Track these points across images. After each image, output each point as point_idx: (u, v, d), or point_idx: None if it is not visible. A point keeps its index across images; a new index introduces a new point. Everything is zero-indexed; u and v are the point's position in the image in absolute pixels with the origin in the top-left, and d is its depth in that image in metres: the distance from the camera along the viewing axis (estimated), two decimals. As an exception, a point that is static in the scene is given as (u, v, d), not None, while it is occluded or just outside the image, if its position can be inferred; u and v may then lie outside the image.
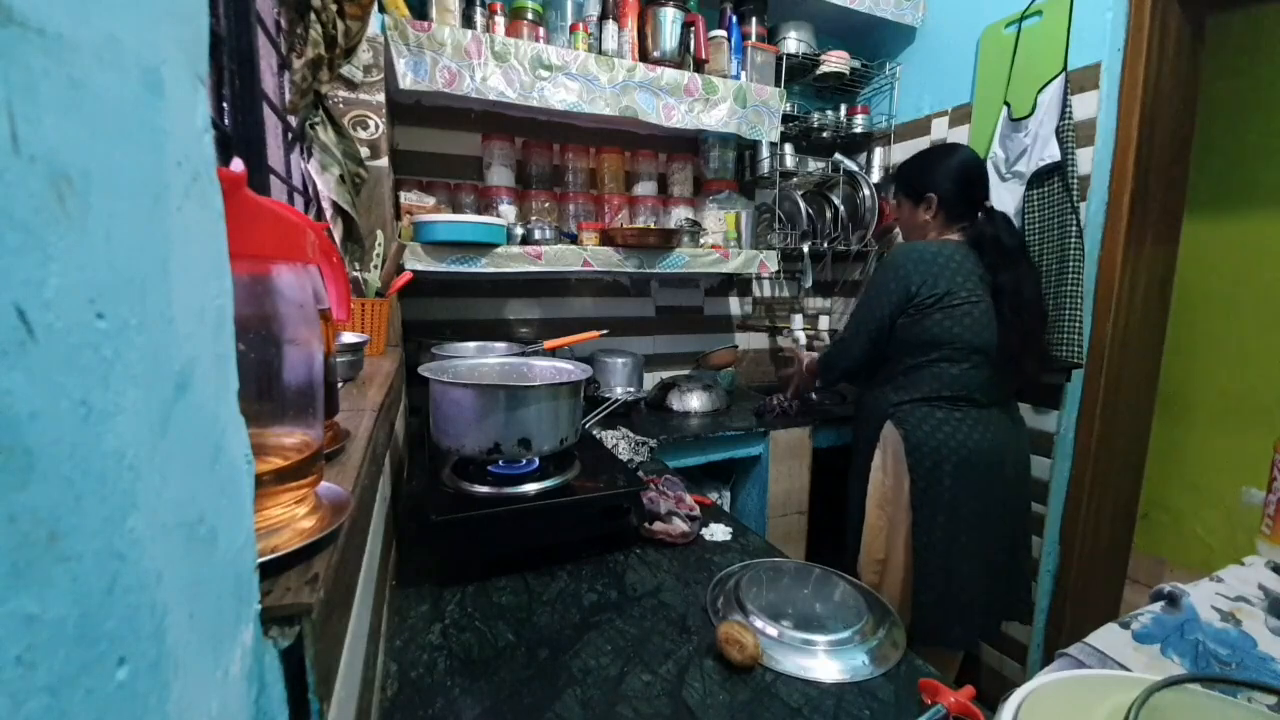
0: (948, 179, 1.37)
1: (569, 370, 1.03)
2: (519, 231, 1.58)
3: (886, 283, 1.34)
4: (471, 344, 1.49)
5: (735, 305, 2.29)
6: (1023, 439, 1.42)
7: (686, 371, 2.11)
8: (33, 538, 0.14)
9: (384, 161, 1.36)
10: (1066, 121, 1.50)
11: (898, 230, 2.09)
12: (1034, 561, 1.68)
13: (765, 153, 1.97)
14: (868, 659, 0.70)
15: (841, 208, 2.00)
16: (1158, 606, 0.80)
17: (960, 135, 1.86)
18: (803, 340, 2.06)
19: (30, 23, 0.14)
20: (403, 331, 1.54)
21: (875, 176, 2.12)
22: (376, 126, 1.34)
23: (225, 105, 0.79)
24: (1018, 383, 1.41)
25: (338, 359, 0.84)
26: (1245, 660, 0.69)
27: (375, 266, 1.26)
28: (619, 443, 1.47)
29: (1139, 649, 0.72)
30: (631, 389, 1.79)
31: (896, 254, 1.36)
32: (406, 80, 1.36)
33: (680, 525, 1.00)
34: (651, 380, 2.00)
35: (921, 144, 2.01)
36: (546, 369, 1.07)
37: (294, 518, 0.36)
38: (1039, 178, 1.57)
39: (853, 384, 1.67)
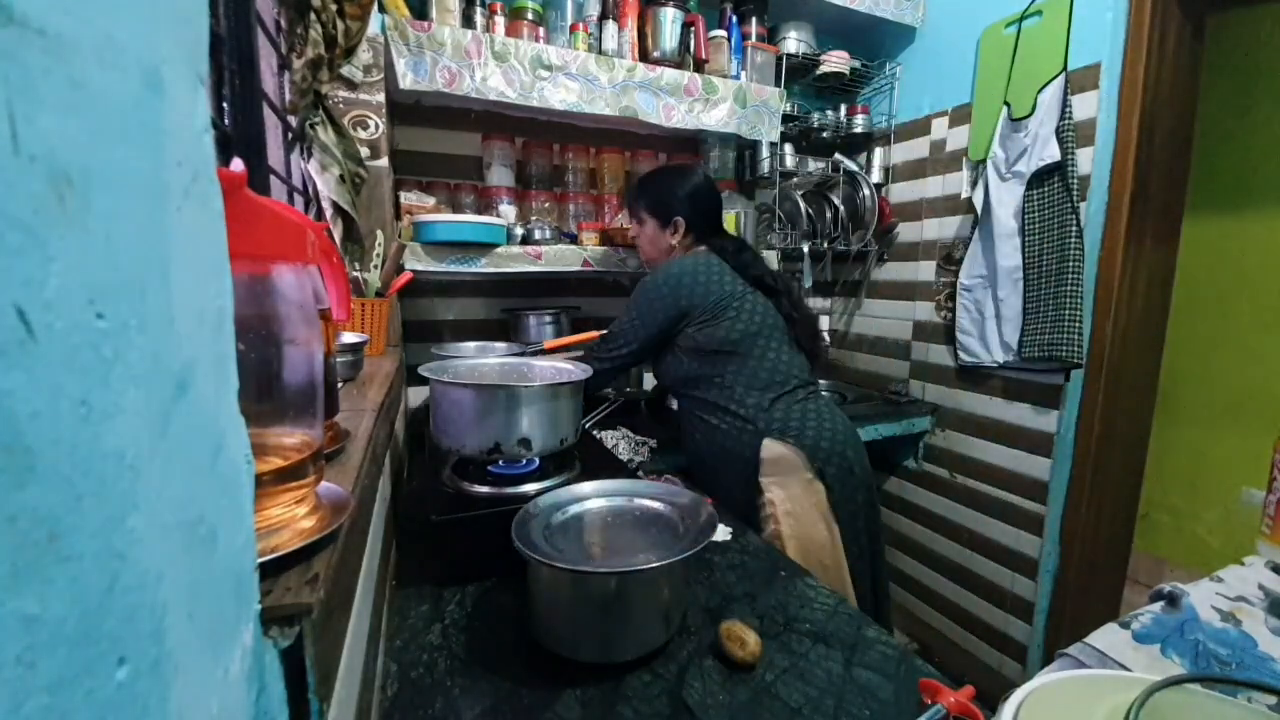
0: (692, 203, 1.38)
1: (569, 370, 1.03)
2: (519, 231, 1.58)
3: (651, 304, 1.29)
4: (471, 344, 1.49)
5: (735, 305, 2.29)
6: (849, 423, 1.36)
7: (686, 371, 2.10)
8: (33, 538, 0.14)
9: (384, 161, 1.36)
10: (1066, 121, 1.50)
11: (897, 230, 2.10)
12: (1032, 560, 1.68)
13: (765, 153, 1.97)
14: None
15: (841, 208, 2.00)
16: (1158, 606, 0.80)
17: (960, 135, 1.87)
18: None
19: (30, 23, 0.14)
20: (403, 331, 1.54)
21: (875, 176, 2.12)
22: (376, 126, 1.34)
23: (225, 105, 0.79)
24: (817, 362, 1.41)
25: (338, 359, 0.84)
26: (1245, 660, 0.69)
27: (375, 266, 1.27)
28: (619, 443, 1.47)
29: (1139, 649, 0.72)
30: (631, 389, 1.79)
31: (653, 279, 1.31)
32: (406, 80, 1.36)
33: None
34: (651, 380, 2.00)
35: (921, 144, 2.01)
36: (546, 369, 1.07)
37: (294, 518, 0.36)
38: (1039, 178, 1.57)
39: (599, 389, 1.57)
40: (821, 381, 2.22)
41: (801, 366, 1.34)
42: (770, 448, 1.22)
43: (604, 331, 1.42)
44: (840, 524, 1.22)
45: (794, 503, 1.21)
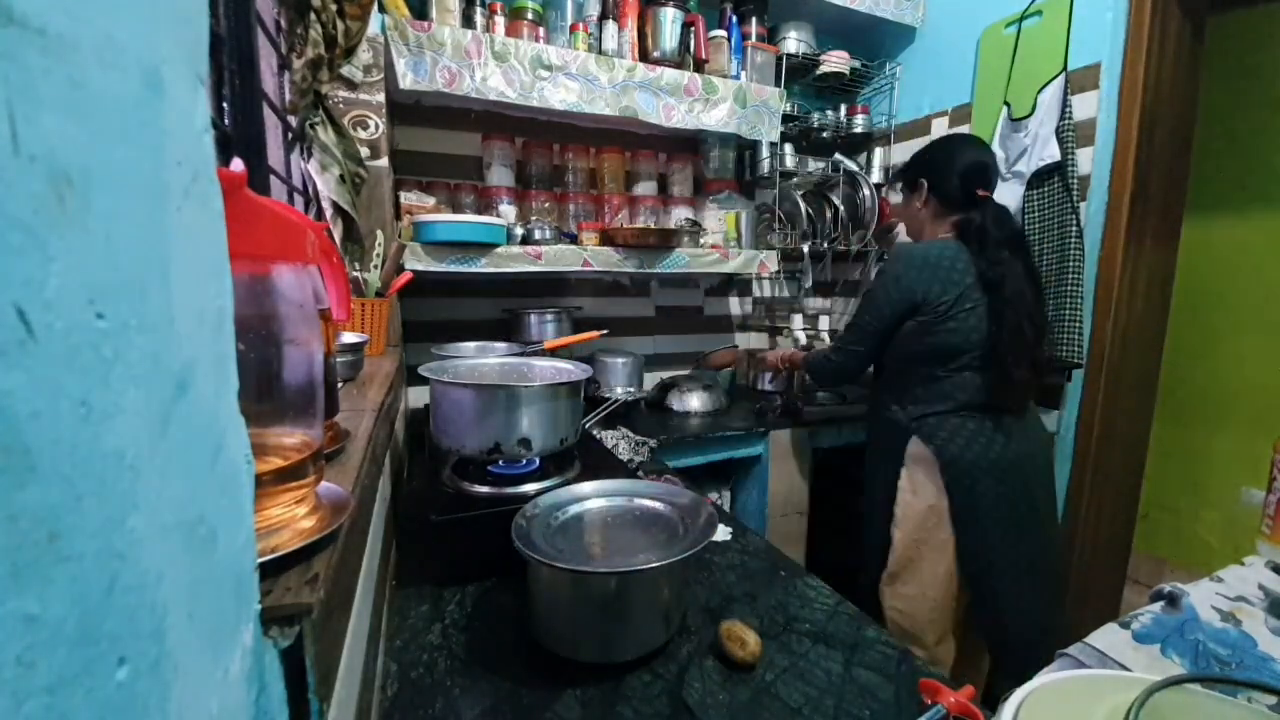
0: (938, 165, 1.34)
1: (569, 370, 1.03)
2: (519, 231, 1.58)
3: (888, 292, 1.29)
4: (471, 344, 1.49)
5: (735, 305, 2.29)
6: (1047, 444, 1.36)
7: (686, 371, 2.11)
8: (33, 538, 0.14)
9: (384, 161, 1.36)
10: (1066, 121, 1.50)
11: (899, 229, 2.10)
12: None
13: (765, 153, 1.97)
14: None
15: (841, 208, 2.00)
16: (1158, 606, 0.80)
17: (960, 135, 1.86)
18: (803, 340, 2.05)
19: (30, 23, 0.14)
20: (403, 331, 1.54)
21: (875, 176, 2.12)
22: (376, 126, 1.34)
23: (225, 105, 0.79)
24: (1021, 383, 1.30)
25: (338, 359, 0.84)
26: (1245, 660, 0.69)
27: (375, 266, 1.27)
28: (619, 443, 1.47)
29: (1139, 649, 0.72)
30: (631, 389, 1.79)
31: (897, 260, 1.31)
32: (406, 80, 1.36)
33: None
34: (651, 380, 2.00)
35: (921, 144, 2.01)
36: (546, 369, 1.07)
37: (294, 518, 0.36)
38: (1039, 178, 1.56)
39: (840, 385, 1.60)
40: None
41: (1010, 392, 1.25)
42: (915, 445, 1.30)
43: (604, 331, 1.43)
44: (964, 536, 1.26)
45: (918, 499, 1.30)
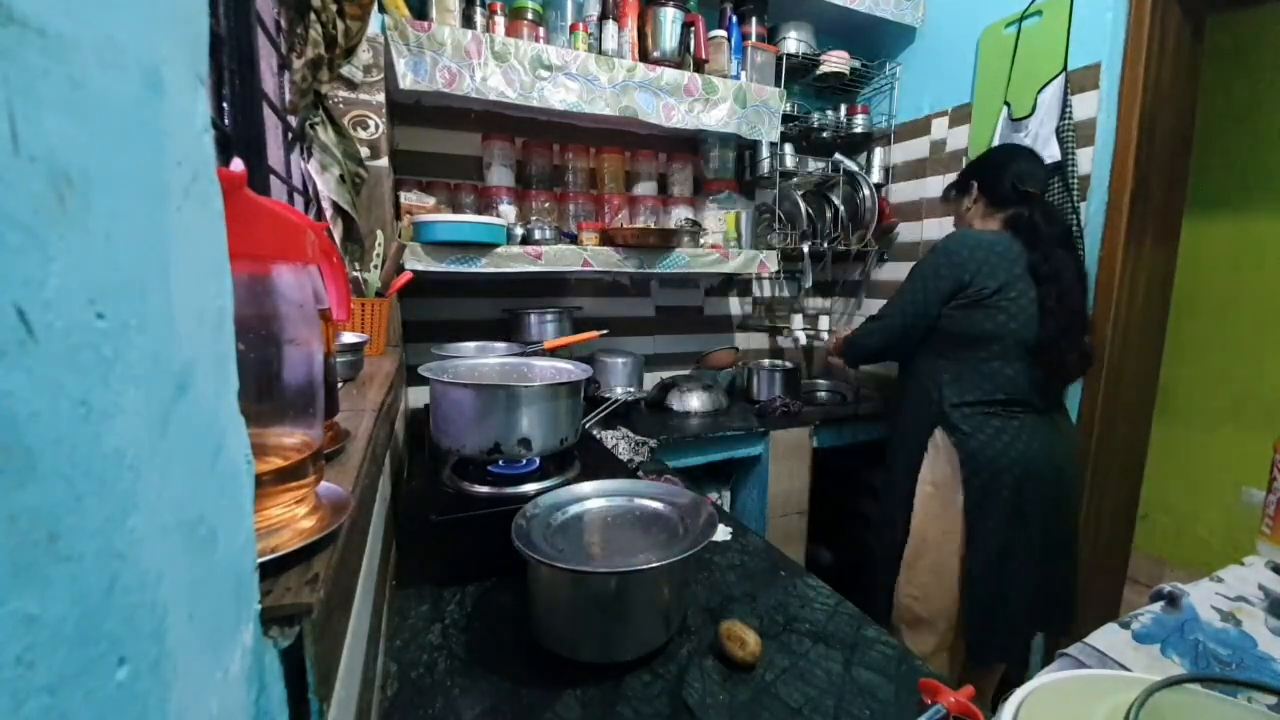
0: (989, 167, 1.40)
1: (569, 370, 1.03)
2: (519, 231, 1.58)
3: (938, 267, 1.30)
4: (471, 344, 1.49)
5: (735, 305, 2.29)
6: (1071, 445, 1.37)
7: (686, 371, 2.11)
8: (33, 538, 0.14)
9: (384, 161, 1.36)
10: (1066, 121, 1.50)
11: (898, 230, 2.10)
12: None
13: (765, 153, 1.97)
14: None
15: (841, 208, 2.00)
16: (1158, 606, 0.80)
17: (960, 135, 1.87)
18: (803, 340, 2.06)
19: (30, 23, 0.14)
20: (403, 331, 1.54)
21: (875, 176, 2.12)
22: (376, 126, 1.34)
23: (225, 105, 0.79)
24: (1061, 379, 1.34)
25: (338, 359, 0.84)
26: (1245, 660, 0.69)
27: (375, 266, 1.27)
28: (619, 443, 1.47)
29: (1139, 649, 0.72)
30: (631, 389, 1.79)
31: (951, 239, 1.34)
32: (406, 80, 1.36)
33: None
34: (651, 380, 2.00)
35: (921, 144, 2.01)
36: (546, 369, 1.07)
37: (294, 518, 0.36)
38: (1039, 178, 1.56)
39: (876, 361, 1.59)
40: (821, 382, 2.22)
41: (1039, 389, 1.29)
42: (940, 434, 1.32)
43: (604, 331, 1.42)
44: (973, 532, 1.28)
45: (938, 490, 1.33)
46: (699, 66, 1.71)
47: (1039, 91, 1.56)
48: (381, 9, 1.31)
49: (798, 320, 2.08)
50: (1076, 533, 1.41)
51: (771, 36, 1.93)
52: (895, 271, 2.12)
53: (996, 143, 1.67)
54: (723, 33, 1.76)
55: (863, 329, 1.48)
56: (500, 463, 0.97)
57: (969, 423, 1.28)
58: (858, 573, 1.48)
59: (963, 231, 1.36)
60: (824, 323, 2.11)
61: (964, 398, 1.29)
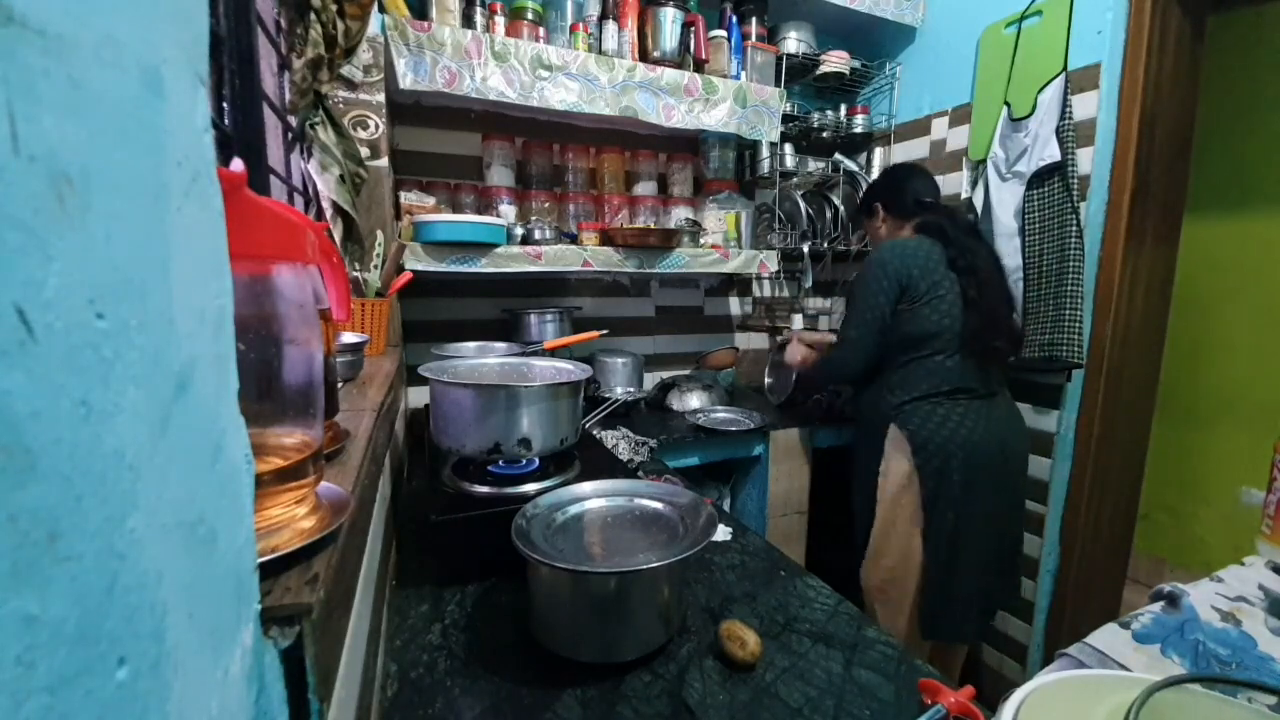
0: (884, 187, 1.55)
1: (569, 370, 1.03)
2: (519, 231, 1.58)
3: (879, 279, 1.37)
4: (471, 344, 1.49)
5: (735, 305, 2.29)
6: (1020, 427, 1.45)
7: (686, 371, 2.11)
8: (33, 538, 0.14)
9: (384, 161, 1.36)
10: (1066, 121, 1.50)
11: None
12: (1032, 560, 1.68)
13: (765, 153, 1.97)
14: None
15: (841, 208, 2.00)
16: (1158, 606, 0.80)
17: (960, 135, 1.86)
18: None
19: (30, 23, 0.14)
20: (403, 331, 1.54)
21: (875, 177, 2.12)
22: (376, 126, 1.34)
23: (225, 105, 0.79)
24: (996, 361, 1.41)
25: (338, 359, 0.84)
26: (1245, 660, 0.69)
27: (375, 266, 1.27)
28: (619, 443, 1.47)
29: (1139, 649, 0.72)
30: (631, 389, 1.79)
31: (879, 253, 1.41)
32: (406, 80, 1.36)
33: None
34: (651, 380, 2.00)
35: (921, 144, 2.01)
36: (546, 369, 1.07)
37: (294, 518, 0.36)
38: (1039, 178, 1.56)
39: (843, 383, 1.69)
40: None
41: (978, 375, 1.37)
42: (893, 431, 1.39)
43: (604, 331, 1.43)
44: (930, 515, 1.34)
45: (892, 479, 1.39)
46: (699, 66, 1.71)
47: (1039, 91, 1.56)
48: (381, 9, 1.31)
49: (798, 320, 2.08)
50: (1023, 505, 1.51)
51: (771, 36, 1.93)
52: (895, 271, 2.12)
53: (996, 143, 1.67)
54: (723, 33, 1.76)
55: (836, 354, 1.52)
56: (500, 463, 0.97)
57: (918, 415, 1.35)
58: (857, 572, 1.49)
59: (884, 245, 1.43)
60: (824, 323, 2.11)
61: (911, 394, 1.37)
